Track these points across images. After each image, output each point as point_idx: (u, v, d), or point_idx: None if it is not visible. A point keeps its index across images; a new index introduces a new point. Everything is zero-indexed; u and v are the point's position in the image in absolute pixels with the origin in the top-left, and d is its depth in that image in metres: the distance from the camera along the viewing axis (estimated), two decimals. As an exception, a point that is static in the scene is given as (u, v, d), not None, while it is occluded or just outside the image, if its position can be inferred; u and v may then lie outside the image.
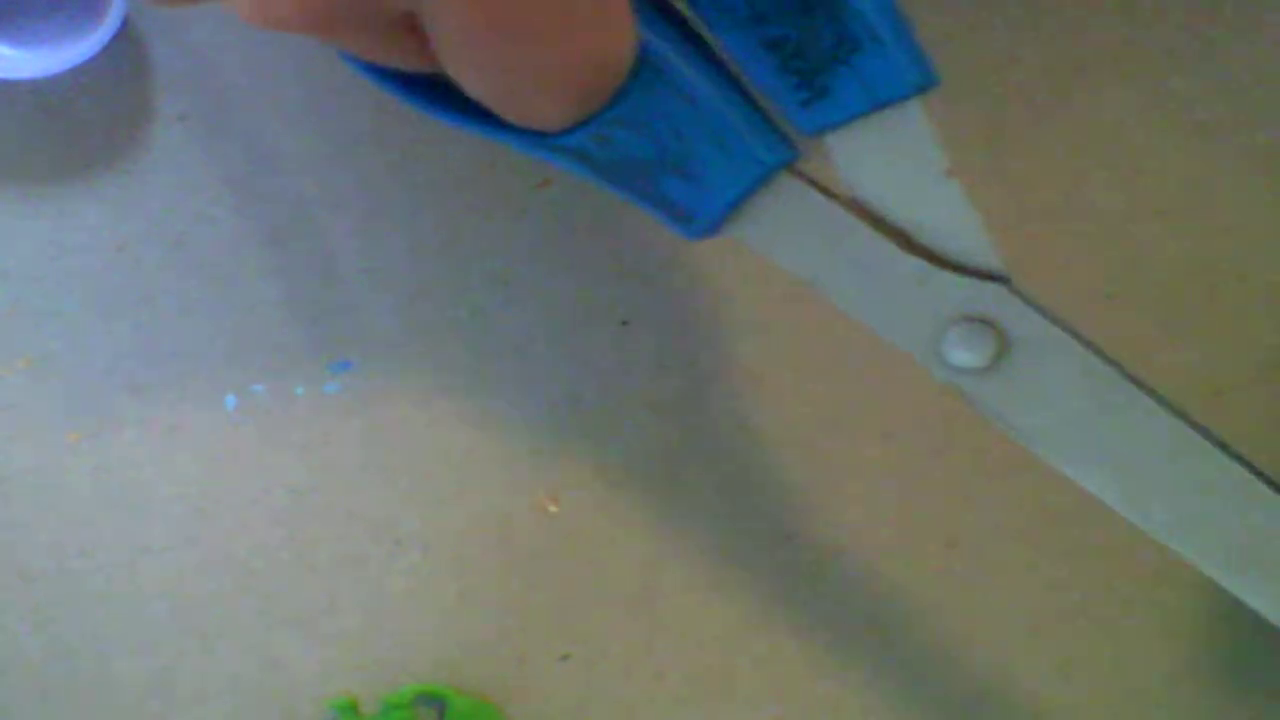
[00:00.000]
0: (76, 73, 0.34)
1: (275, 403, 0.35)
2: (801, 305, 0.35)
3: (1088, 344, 0.23)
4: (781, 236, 0.23)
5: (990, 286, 0.23)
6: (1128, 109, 0.37)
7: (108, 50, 0.34)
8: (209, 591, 0.35)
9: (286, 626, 0.34)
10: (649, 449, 0.35)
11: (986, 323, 0.23)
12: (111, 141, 0.35)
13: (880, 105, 0.22)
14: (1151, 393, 0.23)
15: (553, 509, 0.35)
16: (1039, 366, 0.23)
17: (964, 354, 0.23)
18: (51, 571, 0.35)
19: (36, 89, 0.35)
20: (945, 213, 0.23)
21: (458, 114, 0.23)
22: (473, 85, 0.21)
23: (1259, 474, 0.22)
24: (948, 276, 0.23)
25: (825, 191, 0.23)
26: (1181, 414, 0.22)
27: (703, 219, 0.23)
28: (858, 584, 0.34)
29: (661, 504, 0.35)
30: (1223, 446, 0.22)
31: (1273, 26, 0.37)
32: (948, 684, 0.34)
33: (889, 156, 0.23)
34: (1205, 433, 0.22)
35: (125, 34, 0.35)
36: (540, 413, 0.35)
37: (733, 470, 0.35)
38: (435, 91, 0.23)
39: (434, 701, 0.34)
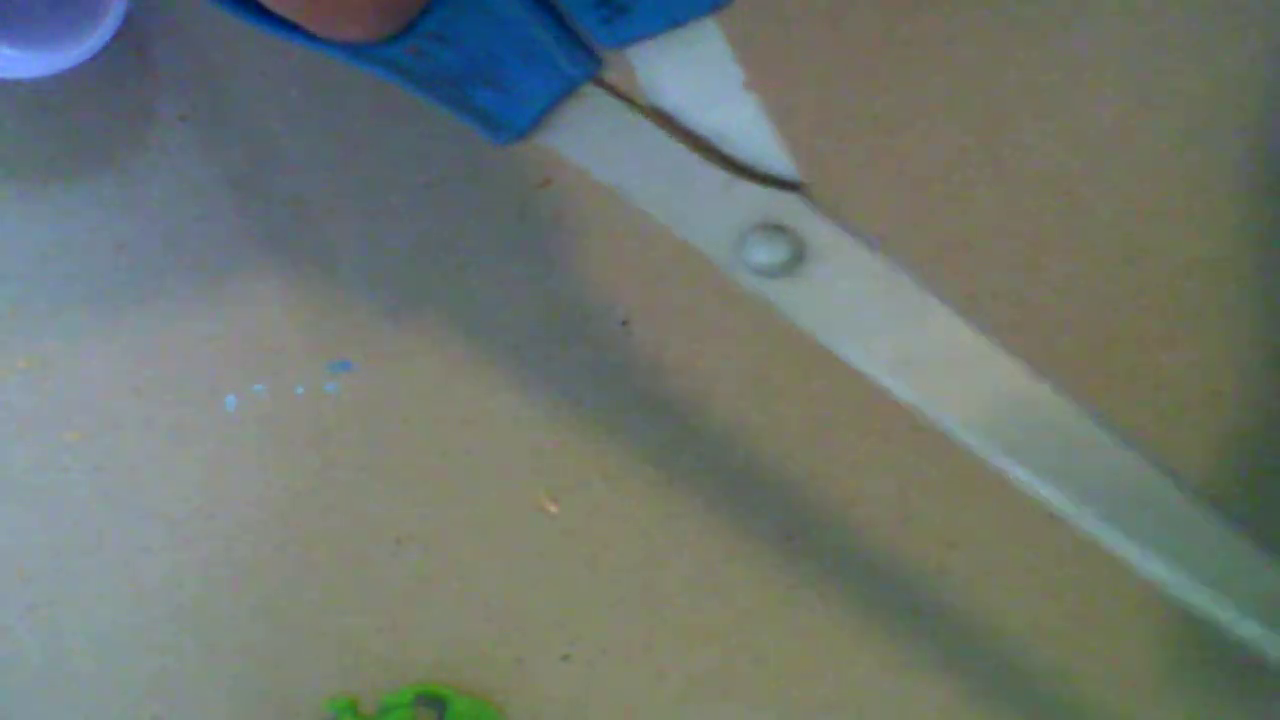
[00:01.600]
0: (76, 73, 0.34)
1: (275, 403, 0.35)
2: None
3: (877, 250, 0.24)
4: (588, 144, 0.24)
5: (785, 195, 0.24)
6: (1125, 108, 0.37)
7: (108, 50, 0.34)
8: (209, 591, 0.34)
9: (286, 626, 0.34)
10: (649, 449, 0.35)
11: (783, 229, 0.24)
12: (111, 141, 0.35)
13: (677, 23, 0.23)
14: (940, 298, 0.24)
15: (553, 509, 0.35)
16: (833, 271, 0.24)
17: (763, 258, 0.24)
18: (51, 571, 0.35)
19: (36, 89, 0.35)
20: (743, 123, 0.24)
21: (279, 24, 0.24)
22: (277, 3, 0.22)
23: (1036, 374, 0.23)
24: (746, 186, 0.24)
25: (630, 102, 0.24)
26: (963, 314, 0.24)
27: (511, 128, 0.24)
28: (858, 584, 0.34)
29: (661, 504, 0.35)
30: (1004, 349, 0.24)
31: (1272, 26, 0.37)
32: (948, 684, 0.34)
33: (689, 70, 0.24)
34: (986, 333, 0.24)
35: (125, 34, 0.34)
36: (540, 413, 0.35)
37: (733, 470, 0.35)
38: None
39: (434, 701, 0.34)
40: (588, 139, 0.24)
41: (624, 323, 0.36)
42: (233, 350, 0.35)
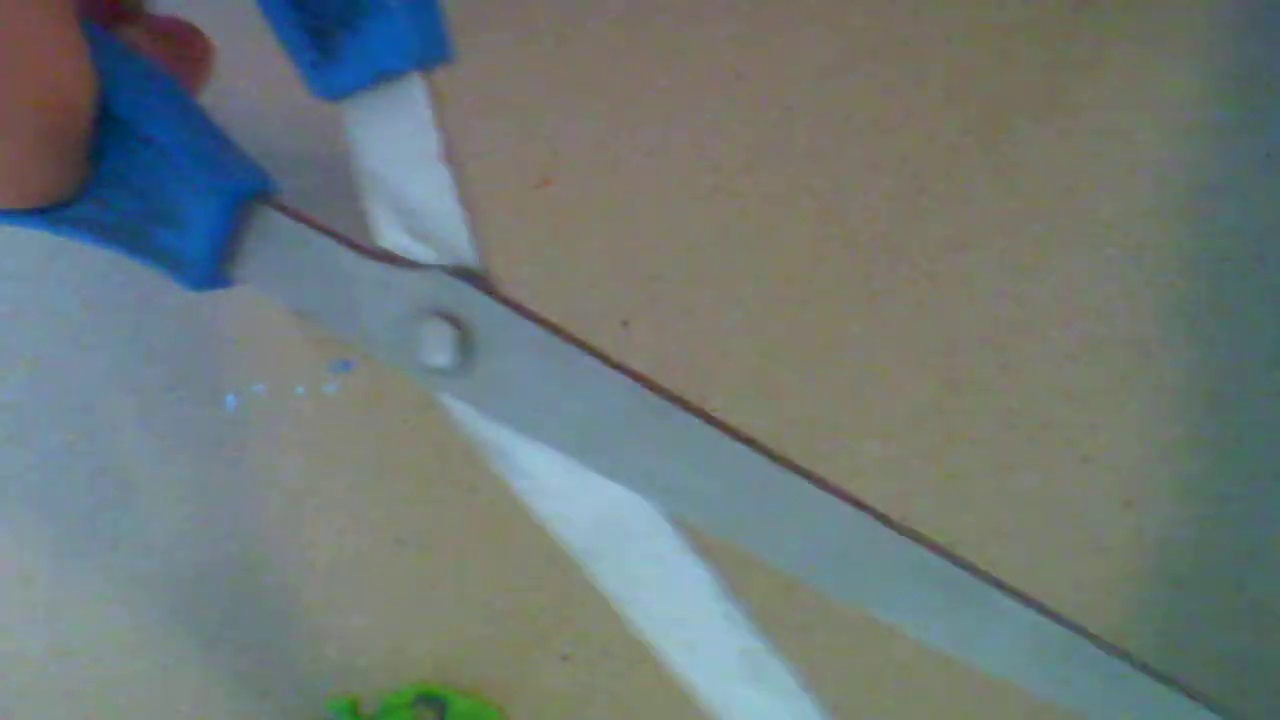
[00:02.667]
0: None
1: (275, 403, 0.35)
2: (801, 306, 0.36)
3: (546, 326, 0.22)
4: (272, 271, 0.23)
5: (443, 280, 0.22)
6: (1126, 110, 0.37)
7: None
8: (209, 592, 0.35)
9: (286, 626, 0.34)
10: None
11: (450, 319, 0.22)
12: (111, 142, 0.35)
13: (382, 76, 0.22)
14: (613, 363, 0.22)
15: (553, 509, 0.35)
16: (504, 355, 0.22)
17: (433, 354, 0.22)
18: (51, 571, 0.35)
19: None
20: (434, 197, 0.23)
21: None
22: None
23: (713, 422, 0.22)
24: (408, 275, 0.23)
25: (294, 215, 0.23)
26: (635, 375, 0.22)
27: (196, 264, 0.23)
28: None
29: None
30: (687, 406, 0.23)
31: (1273, 26, 0.37)
32: (948, 684, 0.34)
33: (390, 132, 0.23)
34: (666, 394, 0.23)
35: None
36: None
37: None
38: None
39: (434, 701, 0.34)
40: (271, 265, 0.23)
41: (624, 323, 0.36)
42: (233, 350, 0.35)
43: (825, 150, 0.37)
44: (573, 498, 0.23)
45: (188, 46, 0.25)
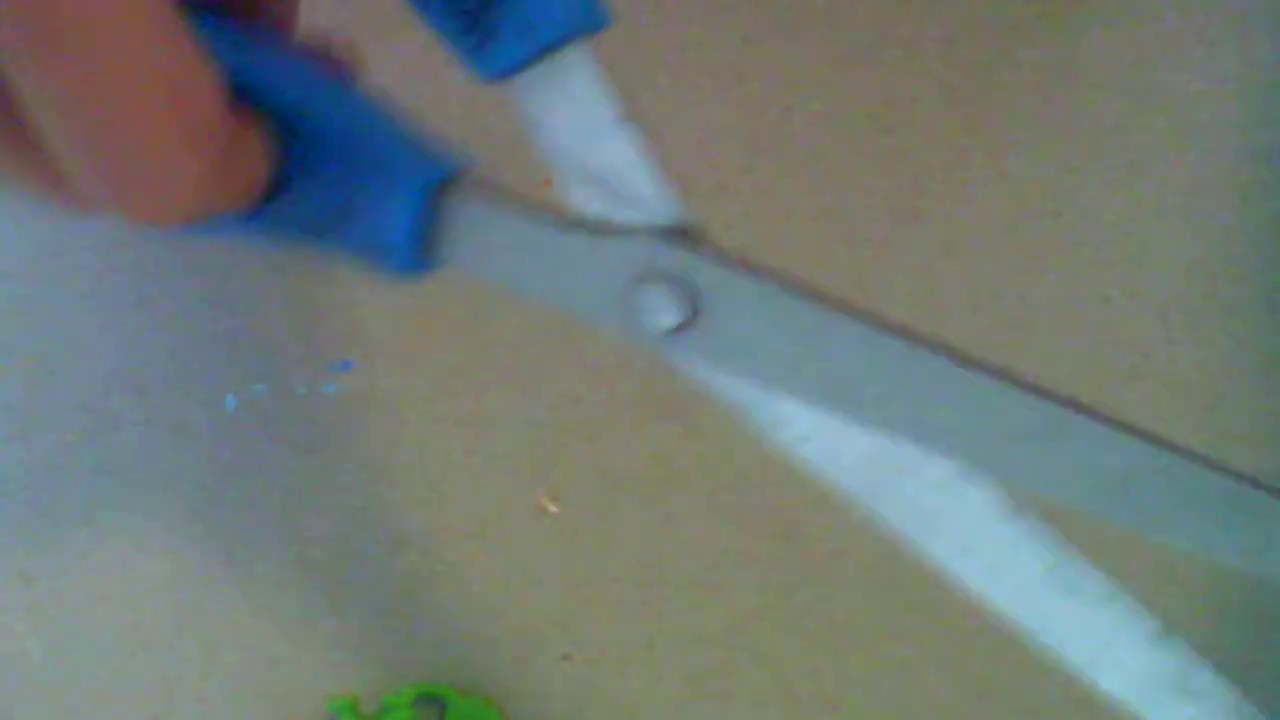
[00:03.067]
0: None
1: (275, 403, 0.35)
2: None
3: (774, 278, 0.22)
4: (476, 251, 0.23)
5: (655, 243, 0.22)
6: (1127, 109, 0.37)
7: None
8: (209, 591, 0.34)
9: (286, 626, 0.34)
10: (649, 449, 0.35)
11: (674, 281, 0.22)
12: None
13: (545, 48, 0.22)
14: (855, 312, 0.22)
15: (553, 509, 0.35)
16: (733, 311, 0.22)
17: (656, 317, 0.22)
18: (51, 571, 0.35)
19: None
20: (625, 161, 0.22)
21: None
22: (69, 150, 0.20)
23: (975, 366, 0.22)
24: (613, 243, 0.22)
25: (491, 193, 0.23)
26: (886, 324, 0.22)
27: (398, 253, 0.23)
28: (857, 584, 0.34)
29: (661, 504, 0.35)
30: (936, 347, 0.22)
31: (1273, 26, 0.37)
32: (948, 684, 0.34)
33: (565, 103, 0.22)
34: (915, 338, 0.22)
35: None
36: (540, 413, 0.35)
37: (733, 470, 0.35)
38: None
39: (434, 701, 0.34)
40: (474, 246, 0.23)
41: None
42: (233, 350, 0.35)
43: (825, 150, 0.37)
44: (835, 441, 0.22)
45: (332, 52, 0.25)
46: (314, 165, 0.22)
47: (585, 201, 0.22)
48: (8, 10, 0.19)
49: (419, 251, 0.23)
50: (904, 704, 0.34)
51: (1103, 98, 0.37)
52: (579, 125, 0.22)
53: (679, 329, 0.22)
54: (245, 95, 0.22)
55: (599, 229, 0.22)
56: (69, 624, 0.34)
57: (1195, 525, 0.21)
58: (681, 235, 0.22)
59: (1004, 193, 0.36)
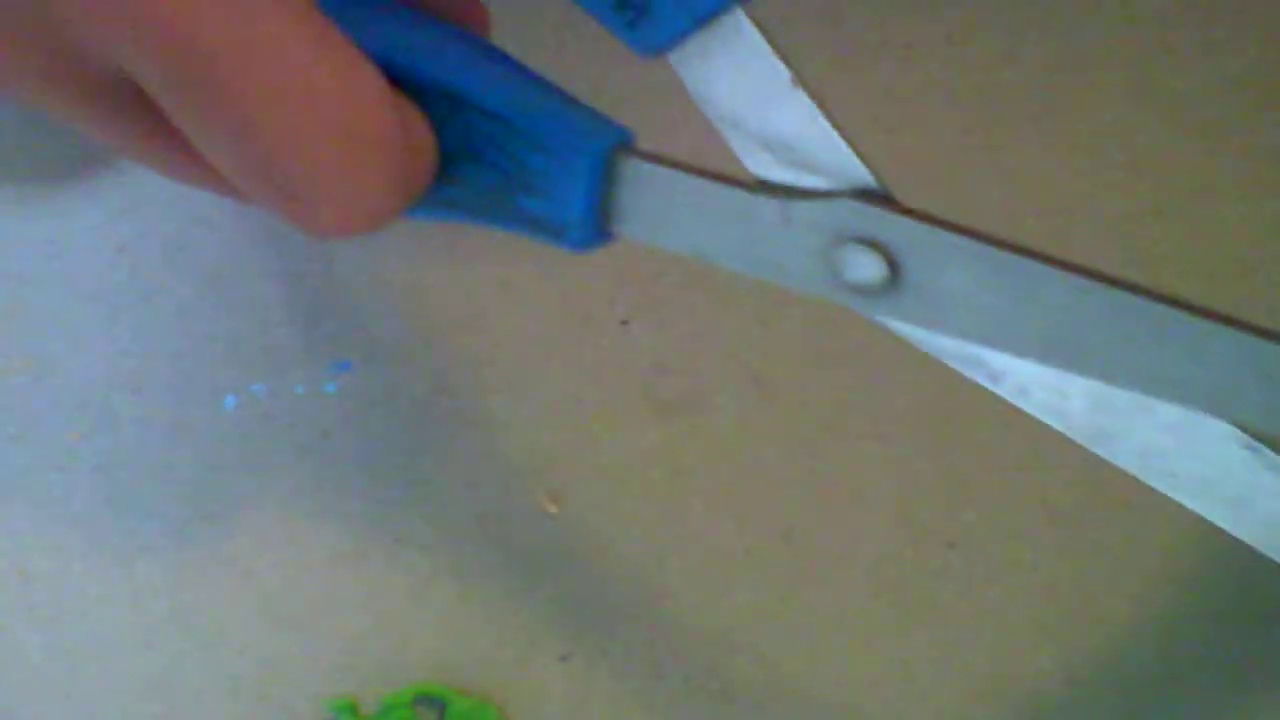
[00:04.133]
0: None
1: (275, 403, 0.35)
2: (801, 305, 0.35)
3: (974, 234, 0.21)
4: (656, 220, 0.22)
5: (850, 204, 0.22)
6: (1128, 109, 0.37)
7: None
8: (209, 591, 0.34)
9: (286, 626, 0.34)
10: (649, 449, 0.35)
11: (866, 241, 0.22)
12: (111, 141, 0.35)
13: (702, 19, 0.21)
14: (1060, 263, 0.21)
15: (553, 509, 0.35)
16: (937, 270, 0.21)
17: (858, 276, 0.22)
18: (51, 571, 0.35)
19: (36, 89, 0.35)
20: (800, 126, 0.22)
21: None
22: (235, 177, 0.20)
23: (1194, 309, 0.21)
24: (805, 206, 0.22)
25: (663, 161, 0.22)
26: (1094, 273, 0.22)
27: (574, 227, 0.23)
28: (857, 584, 0.34)
29: (661, 504, 0.35)
30: (1149, 293, 0.21)
31: (1271, 27, 0.37)
32: (948, 684, 0.34)
33: (731, 73, 0.22)
34: (1126, 285, 0.22)
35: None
36: (540, 413, 0.35)
37: (733, 470, 0.35)
38: None
39: (434, 701, 0.34)
40: (649, 217, 0.22)
41: (624, 323, 0.36)
42: (233, 350, 0.35)
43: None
44: (1056, 390, 0.22)
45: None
46: (477, 143, 0.22)
47: (764, 168, 0.22)
48: (154, 65, 0.18)
49: (597, 224, 0.23)
50: (904, 704, 0.34)
51: (1103, 98, 0.37)
52: (751, 92, 0.22)
53: (884, 289, 0.22)
54: (402, 77, 0.22)
55: (788, 193, 0.22)
56: (69, 624, 0.34)
57: None
58: (870, 197, 0.22)
59: (1004, 192, 0.36)
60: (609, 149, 0.22)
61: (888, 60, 0.37)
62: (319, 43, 0.19)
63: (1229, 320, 0.21)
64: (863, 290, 0.22)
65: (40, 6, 0.18)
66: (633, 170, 0.22)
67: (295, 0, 0.19)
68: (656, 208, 0.22)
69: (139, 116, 0.20)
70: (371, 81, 0.20)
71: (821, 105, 0.22)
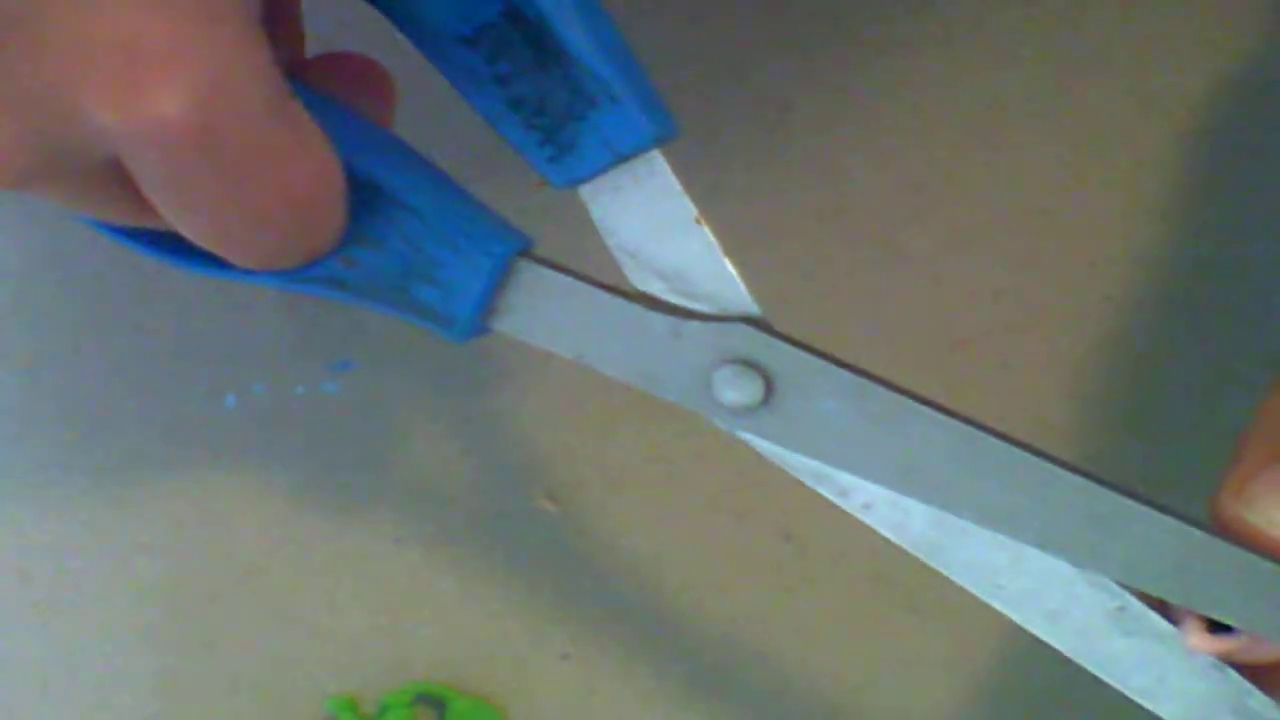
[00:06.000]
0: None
1: (275, 403, 0.35)
2: (801, 305, 0.35)
3: (848, 367, 0.23)
4: (539, 322, 0.24)
5: (741, 328, 0.23)
6: (1128, 109, 0.37)
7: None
8: (209, 591, 0.34)
9: (286, 626, 0.34)
10: (649, 449, 0.35)
11: (748, 364, 0.23)
12: (111, 141, 0.35)
13: (622, 158, 0.23)
14: (922, 399, 0.23)
15: (552, 509, 0.35)
16: (810, 398, 0.23)
17: (734, 395, 0.23)
18: (51, 571, 0.35)
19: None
20: (697, 259, 0.23)
21: (202, 262, 0.24)
22: (195, 237, 0.22)
23: (1039, 454, 0.23)
24: (697, 326, 0.23)
25: (563, 270, 0.24)
26: (952, 412, 0.23)
27: (461, 320, 0.24)
28: (858, 584, 0.34)
29: (661, 504, 0.35)
30: (999, 435, 0.23)
31: (1271, 26, 0.37)
32: (948, 684, 0.34)
33: (639, 207, 0.23)
34: (979, 426, 0.23)
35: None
36: (540, 413, 0.35)
37: (733, 470, 0.35)
38: (175, 240, 0.23)
39: (434, 701, 0.34)
40: (538, 317, 0.24)
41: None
42: (233, 350, 0.35)
43: (825, 150, 0.37)
44: (899, 508, 0.24)
45: (367, 83, 0.25)
46: (383, 231, 0.23)
47: (654, 293, 0.24)
48: (159, 159, 0.19)
49: (481, 319, 0.24)
50: (904, 704, 0.34)
51: (1103, 97, 0.37)
52: (654, 226, 0.23)
53: (755, 410, 0.23)
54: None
55: (677, 311, 0.23)
56: (69, 624, 0.34)
57: (1257, 609, 0.22)
58: (754, 324, 0.23)
59: (1004, 193, 0.36)
60: (513, 252, 0.23)
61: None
62: (309, 140, 0.21)
63: (1066, 465, 0.23)
64: (736, 410, 0.23)
65: (50, 88, 0.19)
66: (530, 275, 0.24)
67: (273, 87, 0.20)
68: (548, 311, 0.24)
69: (113, 194, 0.22)
70: (337, 163, 0.21)
71: (720, 240, 0.23)
